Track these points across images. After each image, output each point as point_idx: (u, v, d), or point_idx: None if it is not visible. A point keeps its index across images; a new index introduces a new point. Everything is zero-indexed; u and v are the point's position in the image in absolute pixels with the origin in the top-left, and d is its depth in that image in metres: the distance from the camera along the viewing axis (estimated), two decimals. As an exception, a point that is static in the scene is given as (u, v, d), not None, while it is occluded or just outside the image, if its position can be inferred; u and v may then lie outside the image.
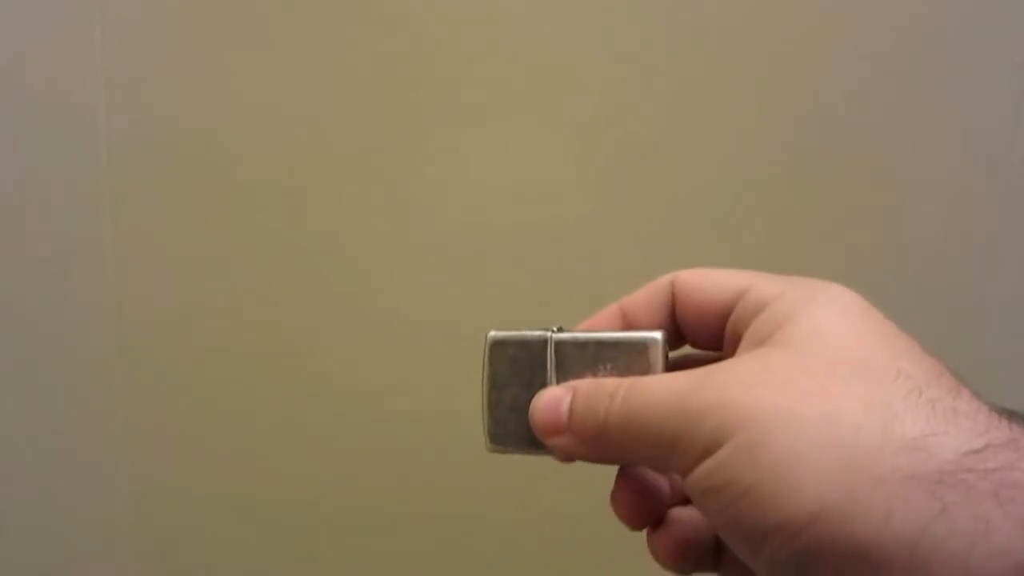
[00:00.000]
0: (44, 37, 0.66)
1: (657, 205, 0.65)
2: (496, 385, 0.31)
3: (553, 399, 0.29)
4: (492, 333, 0.31)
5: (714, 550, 0.31)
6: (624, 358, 0.30)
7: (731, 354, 0.28)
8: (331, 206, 0.67)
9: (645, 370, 0.30)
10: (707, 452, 0.24)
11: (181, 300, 0.69)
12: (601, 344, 0.30)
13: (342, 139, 0.66)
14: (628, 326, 0.32)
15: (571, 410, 0.29)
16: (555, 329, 0.31)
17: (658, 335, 0.30)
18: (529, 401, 0.30)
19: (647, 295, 0.32)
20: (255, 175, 0.67)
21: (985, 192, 0.63)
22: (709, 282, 0.31)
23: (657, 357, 0.30)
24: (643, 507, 0.31)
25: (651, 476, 0.31)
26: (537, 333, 0.31)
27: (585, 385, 0.29)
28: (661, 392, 0.26)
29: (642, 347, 0.30)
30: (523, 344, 0.31)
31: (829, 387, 0.24)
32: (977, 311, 0.65)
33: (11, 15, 0.65)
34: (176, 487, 0.71)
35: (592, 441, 0.28)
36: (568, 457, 0.30)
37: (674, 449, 0.25)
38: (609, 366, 0.30)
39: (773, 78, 0.63)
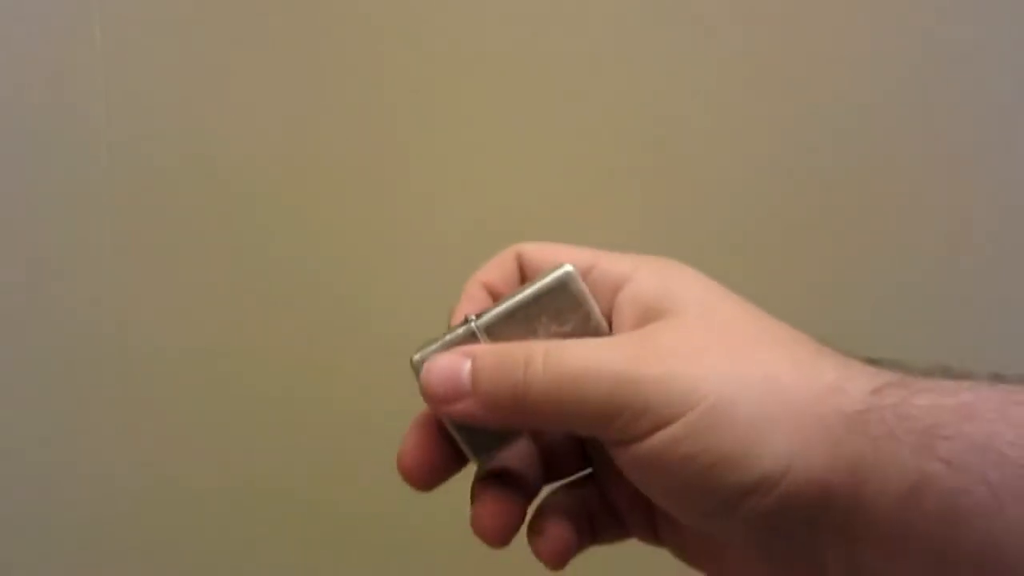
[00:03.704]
0: (44, 37, 0.66)
1: (657, 205, 0.65)
2: None
3: (448, 365, 0.28)
4: (416, 355, 0.29)
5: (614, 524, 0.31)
6: (553, 305, 0.29)
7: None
8: (331, 207, 0.67)
9: (577, 306, 0.29)
10: (666, 421, 0.25)
11: (181, 300, 0.68)
12: (524, 305, 0.29)
13: (342, 140, 0.66)
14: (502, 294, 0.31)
15: (474, 376, 0.28)
16: (474, 317, 0.29)
17: (568, 267, 0.29)
18: None
19: (502, 269, 0.31)
20: (255, 176, 0.67)
21: (985, 192, 0.63)
22: (555, 256, 0.31)
23: (581, 287, 0.29)
24: (514, 514, 0.30)
25: (516, 473, 0.31)
26: (460, 330, 0.29)
27: (486, 351, 0.28)
28: (599, 361, 0.26)
29: (562, 286, 0.29)
30: (452, 345, 0.29)
31: (760, 351, 0.26)
32: (977, 311, 0.65)
33: (11, 15, 0.65)
34: (176, 487, 0.71)
35: (507, 407, 0.27)
36: (464, 420, 0.28)
37: (617, 419, 0.25)
38: (544, 319, 0.29)
39: (773, 78, 0.63)
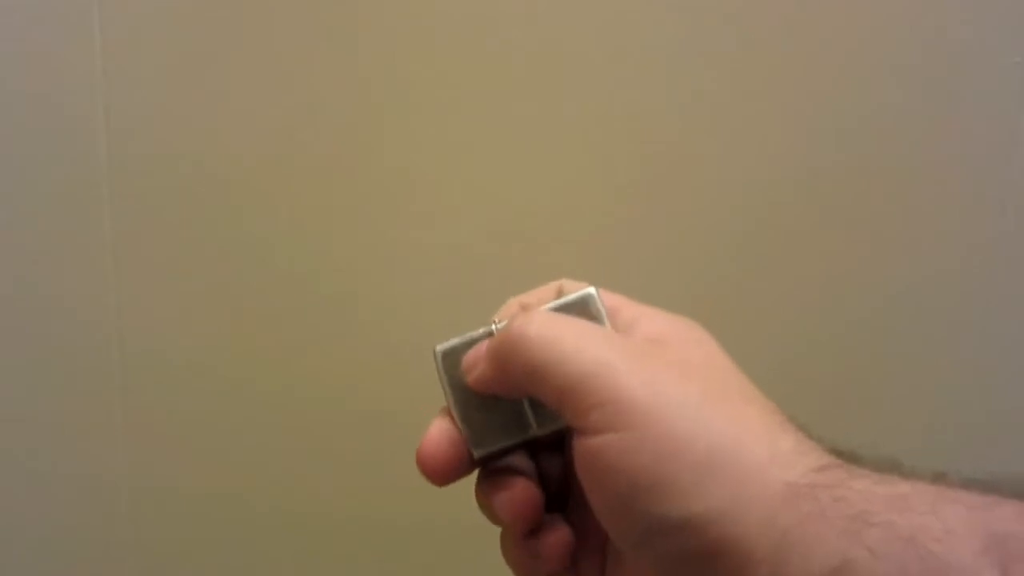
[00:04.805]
0: (44, 38, 0.66)
1: (657, 206, 0.65)
2: (459, 391, 0.31)
3: (476, 348, 0.31)
4: (438, 346, 0.32)
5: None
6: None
7: None
8: (331, 208, 0.67)
9: (595, 323, 0.30)
10: (625, 425, 0.25)
11: (181, 301, 0.69)
12: None
13: (343, 141, 0.66)
14: None
15: (489, 346, 0.30)
16: (496, 321, 0.31)
17: (591, 289, 0.31)
18: (494, 396, 0.30)
19: (540, 294, 0.33)
20: (255, 177, 0.67)
21: (986, 191, 0.63)
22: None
23: (599, 308, 0.31)
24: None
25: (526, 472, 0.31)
26: (482, 330, 0.31)
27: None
28: (593, 337, 0.28)
29: (582, 303, 0.31)
30: (472, 344, 0.31)
31: (736, 405, 0.27)
32: (979, 311, 0.65)
33: (11, 15, 0.65)
34: (176, 488, 0.71)
35: (505, 355, 0.28)
36: (484, 388, 0.30)
37: (585, 397, 0.26)
38: None
39: (773, 79, 0.63)
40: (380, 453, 0.68)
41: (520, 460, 0.32)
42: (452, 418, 0.31)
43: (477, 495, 0.32)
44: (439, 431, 0.31)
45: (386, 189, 0.66)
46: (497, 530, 0.32)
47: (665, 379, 0.26)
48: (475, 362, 0.30)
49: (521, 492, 0.30)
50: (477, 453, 0.31)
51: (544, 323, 0.28)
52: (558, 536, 0.30)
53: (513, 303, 0.33)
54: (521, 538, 0.30)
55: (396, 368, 0.67)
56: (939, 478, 0.24)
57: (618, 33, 0.63)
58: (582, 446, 0.26)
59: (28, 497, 0.72)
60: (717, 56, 0.63)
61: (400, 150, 0.66)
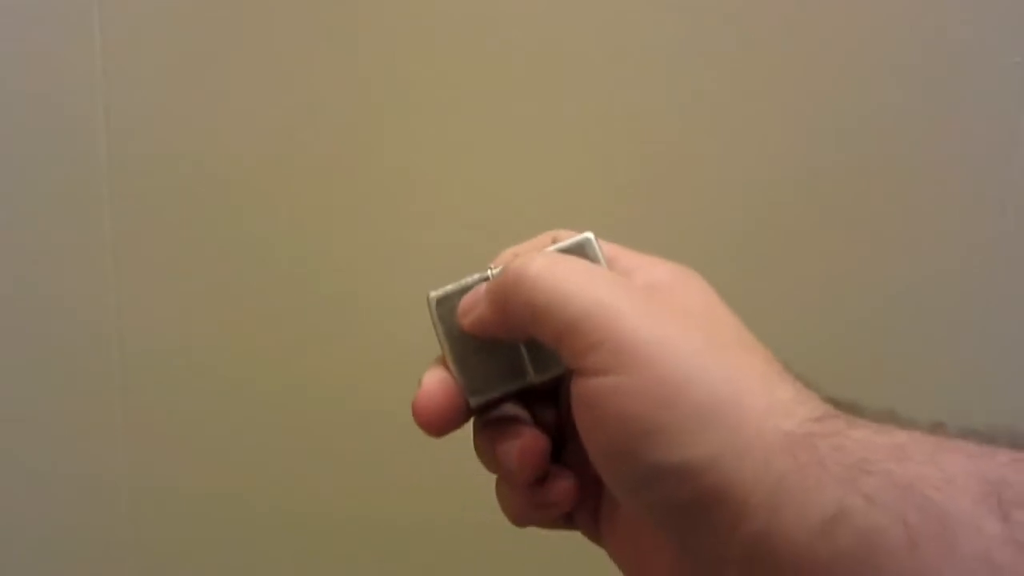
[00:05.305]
0: (44, 38, 0.66)
1: (657, 206, 0.65)
2: (454, 338, 0.30)
3: (474, 291, 0.30)
4: (432, 292, 0.31)
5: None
6: None
7: None
8: (330, 208, 0.67)
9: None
10: (624, 367, 0.25)
11: (181, 301, 0.69)
12: None
13: (343, 141, 0.66)
14: None
15: (487, 287, 0.30)
16: (492, 267, 0.31)
17: (589, 234, 0.30)
18: (490, 342, 0.30)
19: (535, 243, 0.33)
20: (255, 177, 0.67)
21: (986, 191, 0.63)
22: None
23: (597, 253, 0.30)
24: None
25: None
26: (477, 275, 0.31)
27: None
28: (595, 276, 0.27)
29: (579, 248, 0.30)
30: (467, 290, 0.30)
31: (736, 353, 0.26)
32: (979, 311, 0.65)
33: (11, 16, 0.65)
34: (176, 488, 0.71)
35: (505, 293, 0.28)
36: (482, 330, 0.30)
37: (585, 336, 0.26)
38: None
39: (773, 79, 0.63)
40: (380, 453, 0.68)
41: (517, 409, 0.31)
42: (447, 367, 0.31)
43: (476, 444, 0.31)
44: (435, 381, 0.30)
45: (386, 189, 0.66)
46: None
47: (666, 323, 0.26)
48: (473, 304, 0.30)
49: (530, 441, 0.30)
50: (474, 401, 0.30)
51: (546, 263, 0.28)
52: (565, 483, 0.30)
53: (508, 253, 0.32)
54: (526, 486, 0.30)
55: (396, 368, 0.67)
56: (937, 428, 0.24)
57: (618, 33, 0.63)
58: (580, 387, 0.26)
59: (28, 497, 0.72)
60: (717, 56, 0.63)
61: (400, 150, 0.66)
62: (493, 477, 0.32)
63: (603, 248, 0.31)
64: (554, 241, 0.32)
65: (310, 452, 0.70)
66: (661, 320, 0.26)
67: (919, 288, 0.65)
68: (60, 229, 0.68)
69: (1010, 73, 0.61)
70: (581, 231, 0.31)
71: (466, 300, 0.30)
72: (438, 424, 0.30)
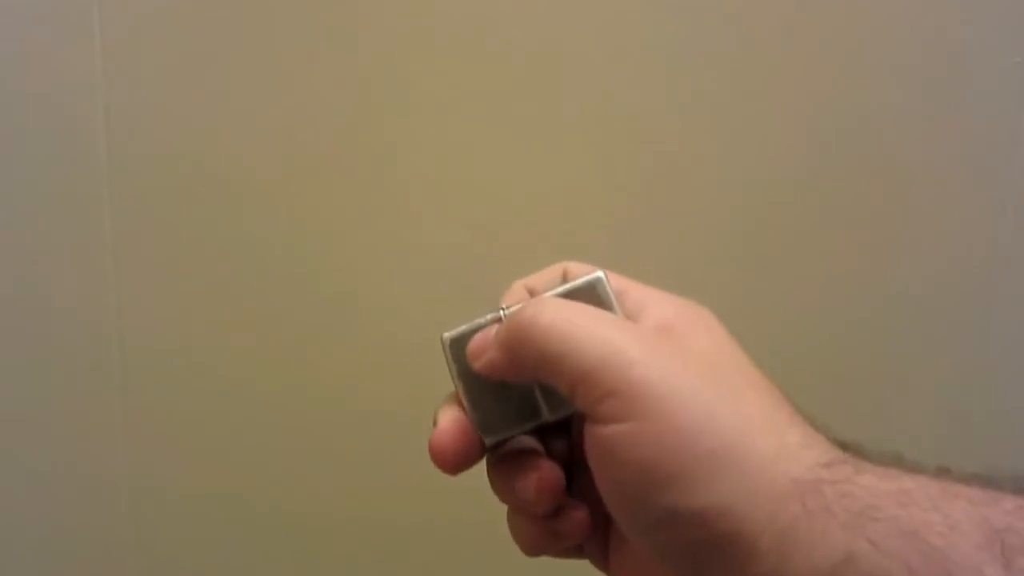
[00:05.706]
0: (44, 38, 0.66)
1: (657, 205, 0.65)
2: (468, 378, 0.31)
3: (484, 333, 0.31)
4: (446, 334, 0.31)
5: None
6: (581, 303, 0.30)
7: None
8: (331, 208, 0.67)
9: (603, 308, 0.30)
10: (638, 415, 0.25)
11: (181, 301, 0.69)
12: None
13: (343, 141, 0.66)
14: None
15: (498, 333, 0.30)
16: (504, 307, 0.31)
17: (600, 273, 0.31)
18: (504, 382, 0.30)
19: (545, 277, 0.33)
20: (255, 177, 0.67)
21: (986, 191, 0.63)
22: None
23: (607, 291, 0.30)
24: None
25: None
26: (489, 316, 0.31)
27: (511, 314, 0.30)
28: (604, 325, 0.28)
29: (590, 288, 0.31)
30: (479, 330, 0.31)
31: (747, 397, 0.27)
32: (979, 311, 0.65)
33: (10, 16, 0.65)
34: (176, 488, 0.71)
35: (516, 341, 0.28)
36: (493, 374, 0.30)
37: (596, 385, 0.26)
38: None
39: (773, 79, 0.63)
40: (380, 453, 0.68)
41: (531, 442, 0.32)
42: (461, 406, 0.31)
43: (492, 477, 0.32)
44: (450, 420, 0.31)
45: (386, 189, 0.66)
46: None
47: (678, 371, 0.26)
48: (484, 348, 0.30)
49: (548, 473, 0.30)
50: (489, 440, 0.31)
51: (556, 311, 0.28)
52: (579, 515, 0.31)
53: (518, 286, 0.33)
54: (542, 518, 0.31)
55: (396, 368, 0.67)
56: (942, 473, 0.25)
57: (618, 33, 0.63)
58: (593, 434, 0.27)
59: (28, 497, 0.72)
60: (717, 56, 0.63)
61: (400, 150, 0.66)
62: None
63: (611, 283, 0.31)
64: (565, 275, 0.32)
65: (310, 452, 0.70)
66: (673, 368, 0.26)
67: (919, 288, 0.65)
68: (60, 229, 0.68)
69: (1010, 73, 0.61)
70: (592, 270, 0.31)
71: (477, 342, 0.30)
72: (454, 462, 0.30)
